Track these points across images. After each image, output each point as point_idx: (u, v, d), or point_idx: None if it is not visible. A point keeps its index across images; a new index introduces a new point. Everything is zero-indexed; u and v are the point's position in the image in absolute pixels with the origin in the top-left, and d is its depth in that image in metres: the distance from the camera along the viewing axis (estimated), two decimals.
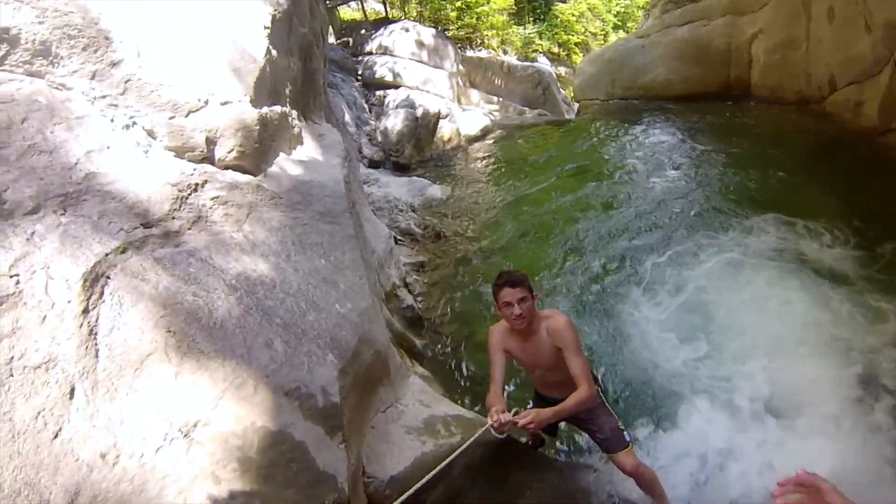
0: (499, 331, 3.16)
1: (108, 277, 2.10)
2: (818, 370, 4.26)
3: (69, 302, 1.95)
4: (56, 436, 1.78)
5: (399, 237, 7.67)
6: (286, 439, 2.27)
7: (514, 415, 2.72)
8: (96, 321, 1.99)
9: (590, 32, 21.92)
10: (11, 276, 1.92)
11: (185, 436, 1.99)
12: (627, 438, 3.23)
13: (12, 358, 1.80)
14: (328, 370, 2.59)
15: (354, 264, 3.46)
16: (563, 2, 21.17)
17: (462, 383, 4.93)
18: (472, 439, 2.64)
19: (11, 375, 1.77)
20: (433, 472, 2.36)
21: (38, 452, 1.73)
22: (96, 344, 1.96)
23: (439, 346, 5.47)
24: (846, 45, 8.65)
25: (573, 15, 20.97)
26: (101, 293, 2.05)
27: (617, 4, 24.27)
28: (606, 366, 4.85)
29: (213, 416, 2.07)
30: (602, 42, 21.31)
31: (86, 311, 1.97)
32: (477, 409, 4.25)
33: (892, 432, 3.72)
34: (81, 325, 1.94)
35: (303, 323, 2.70)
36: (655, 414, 4.28)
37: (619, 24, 23.98)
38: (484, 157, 12.13)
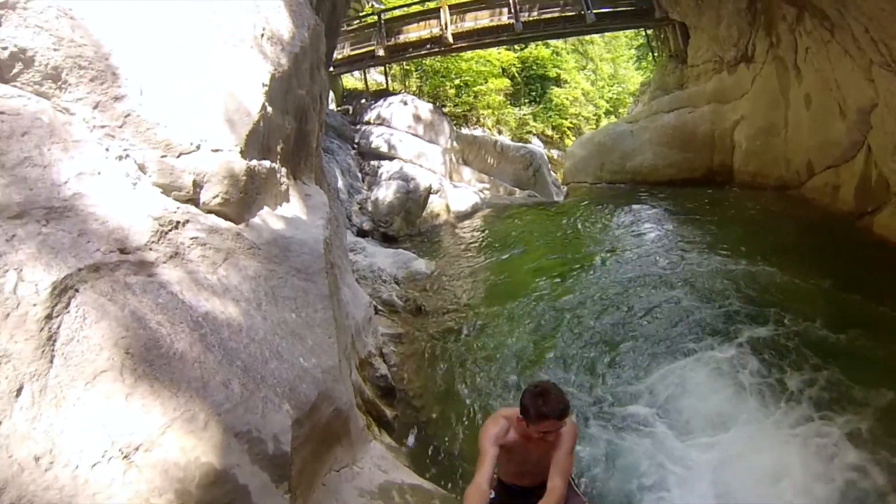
0: (499, 426, 3.09)
1: (76, 290, 2.20)
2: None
3: (34, 305, 2.05)
4: None
5: (379, 307, 7.78)
6: (229, 480, 2.30)
7: None
8: (57, 329, 2.08)
9: (583, 117, 23.11)
10: None
11: (125, 457, 2.04)
12: None
13: None
14: (282, 418, 2.65)
15: (325, 323, 3.56)
16: (558, 86, 22.30)
17: (428, 458, 4.94)
18: None
19: None
20: None
21: None
22: (53, 350, 2.04)
23: (409, 419, 5.49)
24: (822, 130, 9.14)
25: (568, 99, 22.15)
26: (68, 304, 2.15)
27: (609, 91, 25.69)
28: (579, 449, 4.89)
29: (157, 443, 2.12)
30: (594, 126, 22.44)
31: (49, 318, 2.07)
32: (442, 483, 4.26)
33: None
34: (42, 329, 2.04)
35: (263, 370, 2.78)
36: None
37: (612, 109, 25.39)
38: (471, 235, 12.46)
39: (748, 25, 11.36)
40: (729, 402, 5.28)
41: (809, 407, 5.04)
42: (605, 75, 26.39)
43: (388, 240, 12.16)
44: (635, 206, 11.96)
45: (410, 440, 5.13)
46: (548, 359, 6.42)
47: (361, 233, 12.06)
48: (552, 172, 18.46)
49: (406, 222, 12.67)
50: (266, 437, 2.52)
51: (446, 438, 5.15)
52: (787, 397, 5.21)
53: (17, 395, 1.92)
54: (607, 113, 25.16)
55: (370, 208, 12.63)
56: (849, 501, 4.02)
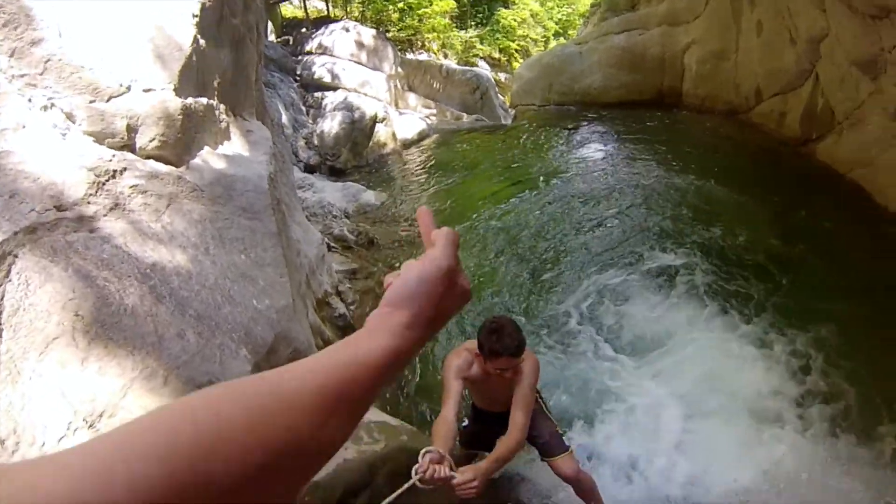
0: (462, 359, 3.09)
1: (15, 256, 2.12)
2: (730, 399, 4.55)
3: None
4: None
5: (332, 244, 7.72)
6: None
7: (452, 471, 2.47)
8: (1, 300, 2.01)
9: (531, 38, 22.72)
10: None
11: (90, 426, 2.03)
12: (567, 443, 3.33)
13: None
14: (241, 364, 2.66)
15: (276, 262, 3.53)
16: (506, 7, 21.86)
17: (393, 394, 5.01)
18: (395, 495, 2.27)
19: None
20: None
21: None
22: (0, 324, 1.98)
23: None
24: (772, 57, 9.31)
25: (515, 20, 21.71)
26: (8, 272, 2.07)
27: (559, 12, 25.23)
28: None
29: (119, 406, 2.11)
30: (543, 49, 22.04)
31: None
32: (405, 418, 4.38)
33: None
34: None
35: (217, 316, 2.76)
36: (588, 426, 4.48)
37: (561, 31, 24.98)
38: (419, 163, 12.36)
39: None
40: (679, 312, 5.57)
41: (763, 314, 5.38)
42: None
43: (336, 173, 11.95)
44: (583, 128, 12.04)
45: None
46: (495, 282, 6.61)
47: (309, 168, 11.82)
48: (500, 96, 18.29)
49: (353, 154, 12.44)
50: None
51: (408, 371, 5.26)
52: (740, 305, 5.54)
53: None
54: (556, 35, 24.70)
55: (316, 142, 12.32)
56: (815, 423, 4.28)
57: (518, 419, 2.91)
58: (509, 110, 17.20)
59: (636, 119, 11.88)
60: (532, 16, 22.99)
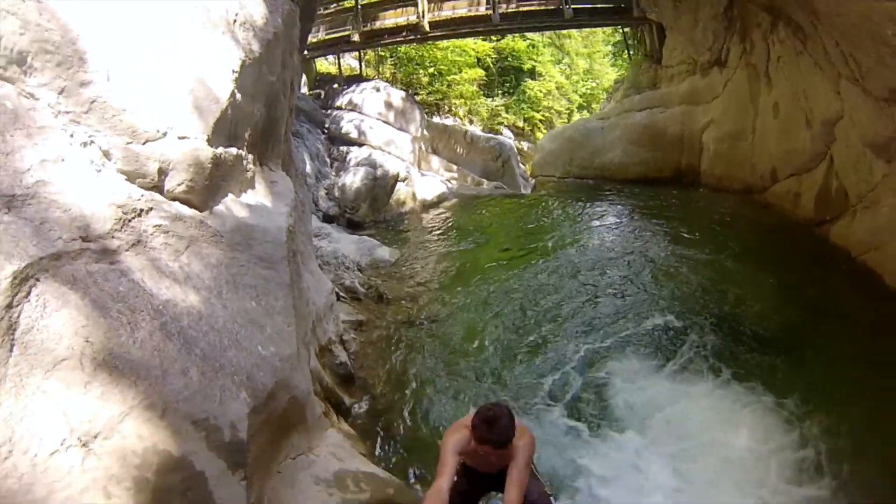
0: (460, 434, 3.17)
1: (37, 279, 2.26)
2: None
3: None
4: None
5: (342, 294, 7.84)
6: (186, 467, 2.38)
7: None
8: (17, 318, 2.14)
9: (555, 110, 23.37)
10: None
11: (83, 445, 2.11)
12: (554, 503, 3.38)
13: None
14: (239, 406, 2.73)
15: (285, 311, 3.63)
16: (532, 78, 22.51)
17: (386, 446, 5.04)
18: None
19: None
20: None
21: None
22: (13, 339, 2.10)
23: (367, 407, 5.59)
24: (788, 138, 9.45)
25: (541, 91, 22.36)
26: (28, 293, 2.20)
27: (584, 85, 25.94)
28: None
29: (116, 431, 2.20)
30: (566, 120, 22.71)
31: (9, 307, 2.13)
32: (396, 470, 4.39)
33: None
34: (2, 318, 2.09)
35: (222, 358, 2.85)
36: (575, 487, 4.41)
37: (585, 104, 25.65)
38: (436, 224, 12.62)
39: (724, 30, 11.64)
40: (677, 380, 5.54)
41: (774, 382, 5.27)
42: (580, 70, 26.55)
43: (354, 226, 12.23)
44: (601, 201, 12.26)
45: (367, 427, 5.24)
46: (486, 343, 6.74)
47: (327, 218, 12.12)
48: (521, 165, 18.69)
49: (372, 209, 12.77)
50: (223, 424, 2.60)
51: (402, 426, 5.28)
52: (759, 373, 5.45)
53: None
54: (580, 108, 25.43)
55: (337, 194, 12.69)
56: None
57: (512, 496, 2.96)
58: (529, 179, 17.54)
59: (653, 195, 12.07)
60: (557, 88, 23.71)
